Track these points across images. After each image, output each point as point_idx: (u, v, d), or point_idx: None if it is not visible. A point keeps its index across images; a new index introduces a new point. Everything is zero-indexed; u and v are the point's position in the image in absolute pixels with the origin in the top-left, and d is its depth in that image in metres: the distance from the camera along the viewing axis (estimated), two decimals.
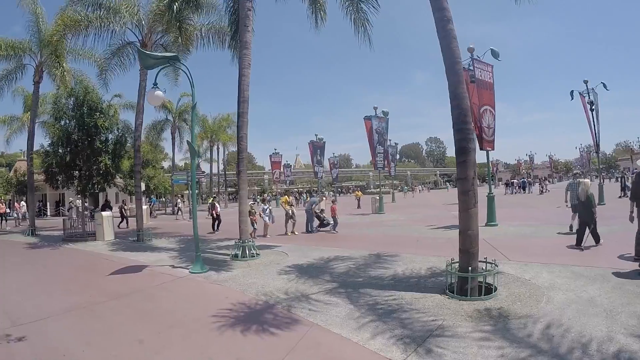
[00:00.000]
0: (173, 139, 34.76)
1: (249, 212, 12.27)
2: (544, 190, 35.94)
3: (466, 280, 5.09)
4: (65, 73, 13.53)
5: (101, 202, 22.25)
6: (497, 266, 5.58)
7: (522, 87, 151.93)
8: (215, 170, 46.73)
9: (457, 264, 5.41)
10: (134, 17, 12.96)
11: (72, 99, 13.14)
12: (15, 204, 24.89)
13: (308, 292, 5.83)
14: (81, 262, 9.94)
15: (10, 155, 57.76)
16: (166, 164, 45.40)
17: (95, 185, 13.64)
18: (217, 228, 15.55)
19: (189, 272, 7.80)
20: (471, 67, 12.03)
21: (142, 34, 13.54)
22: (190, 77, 8.32)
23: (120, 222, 19.37)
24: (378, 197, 22.27)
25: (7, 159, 61.33)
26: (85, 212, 15.04)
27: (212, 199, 19.06)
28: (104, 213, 13.98)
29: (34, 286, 7.21)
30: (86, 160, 13.25)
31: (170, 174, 30.41)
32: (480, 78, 11.94)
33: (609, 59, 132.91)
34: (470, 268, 5.11)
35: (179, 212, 26.93)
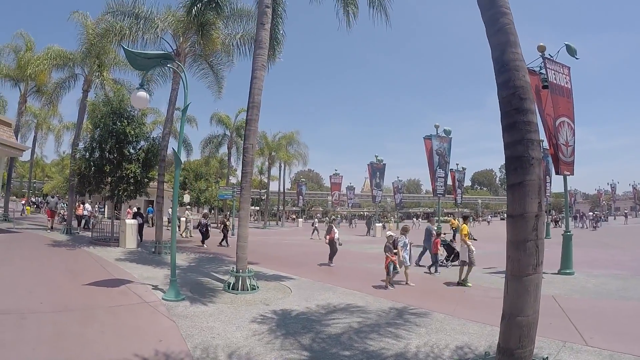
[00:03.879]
0: (229, 153, 35.42)
1: (386, 247, 8.42)
2: (589, 226, 30.82)
3: None
4: (104, 82, 13.94)
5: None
6: None
7: (602, 109, 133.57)
8: (281, 189, 46.67)
9: None
10: (169, 26, 12.78)
11: (108, 106, 13.30)
12: (128, 210, 22.74)
13: None
14: (79, 266, 9.57)
15: None
16: (233, 179, 46.01)
17: (123, 192, 13.49)
18: (331, 259, 11.76)
19: (162, 297, 6.73)
20: (542, 70, 9.51)
21: (177, 43, 13.34)
22: (184, 80, 7.32)
23: (222, 240, 16.42)
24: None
25: None
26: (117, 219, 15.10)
27: (331, 219, 15.20)
28: (128, 221, 13.76)
29: (4, 281, 7.15)
30: (115, 167, 13.21)
31: (230, 188, 30.63)
32: (554, 82, 9.31)
33: None
34: None
35: (315, 232, 23.41)
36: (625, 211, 45.81)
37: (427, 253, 11.54)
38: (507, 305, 3.21)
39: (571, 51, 9.15)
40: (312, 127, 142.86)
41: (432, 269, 10.55)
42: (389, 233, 9.16)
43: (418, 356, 4.38)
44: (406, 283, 8.66)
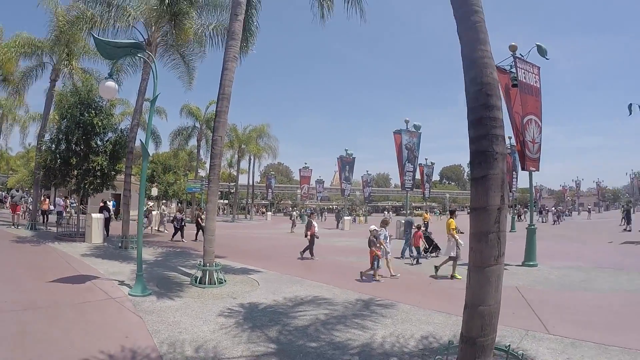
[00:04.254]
0: (199, 146, 34.48)
1: (370, 241, 8.66)
2: (550, 220, 33.67)
3: None
4: (73, 71, 13.29)
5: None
6: None
7: (570, 109, 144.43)
8: (251, 182, 46.04)
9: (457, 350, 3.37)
10: (141, 15, 12.29)
11: (76, 97, 12.68)
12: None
13: (224, 355, 4.05)
14: (44, 262, 9.24)
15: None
16: (202, 172, 44.95)
17: (89, 186, 12.93)
18: (312, 254, 11.85)
19: (128, 293, 6.57)
20: (513, 69, 9.82)
21: (149, 32, 12.86)
22: (154, 70, 7.08)
23: (197, 233, 16.12)
24: (403, 222, 19.81)
25: None
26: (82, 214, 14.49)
27: (308, 214, 14.38)
28: (94, 215, 13.24)
29: None
30: (82, 159, 12.63)
31: (199, 181, 29.88)
32: (524, 81, 9.63)
33: None
34: None
35: (293, 226, 23.87)
36: (589, 207, 48.24)
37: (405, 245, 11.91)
38: (470, 295, 3.28)
39: (542, 51, 9.45)
40: (285, 121, 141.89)
41: (414, 261, 10.99)
42: (372, 227, 9.13)
43: (384, 346, 4.43)
44: (392, 274, 8.76)
